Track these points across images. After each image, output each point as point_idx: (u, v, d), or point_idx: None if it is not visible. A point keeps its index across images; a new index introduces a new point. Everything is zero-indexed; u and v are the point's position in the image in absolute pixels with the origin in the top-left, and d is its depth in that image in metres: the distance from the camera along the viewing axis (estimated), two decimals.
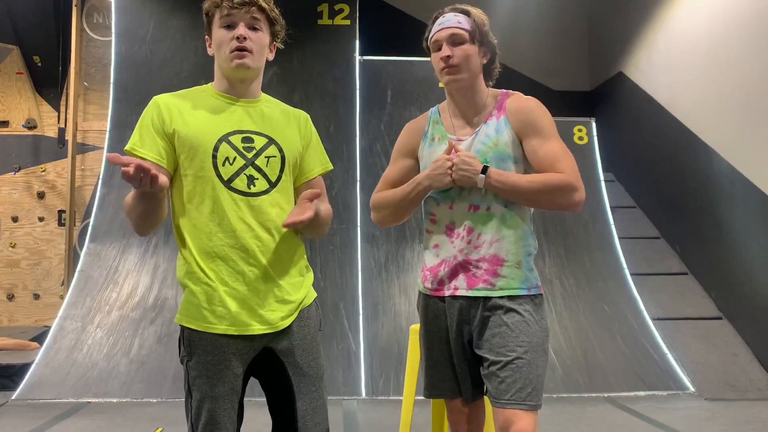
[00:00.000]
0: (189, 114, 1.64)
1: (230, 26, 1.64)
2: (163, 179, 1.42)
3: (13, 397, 4.19)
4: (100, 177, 5.45)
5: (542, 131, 1.79)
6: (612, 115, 6.96)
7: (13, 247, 6.09)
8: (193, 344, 1.59)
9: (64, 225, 6.04)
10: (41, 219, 6.13)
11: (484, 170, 1.73)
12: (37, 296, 6.03)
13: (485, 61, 1.86)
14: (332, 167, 1.89)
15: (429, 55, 1.92)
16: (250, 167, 1.62)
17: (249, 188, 1.61)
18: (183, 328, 1.62)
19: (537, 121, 1.79)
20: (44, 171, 6.18)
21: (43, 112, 6.29)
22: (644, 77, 6.31)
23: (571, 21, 7.68)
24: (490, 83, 1.91)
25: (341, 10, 5.81)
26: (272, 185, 1.65)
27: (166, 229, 5.22)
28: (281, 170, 1.67)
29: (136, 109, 5.58)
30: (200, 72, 5.64)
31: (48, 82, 6.26)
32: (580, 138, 5.83)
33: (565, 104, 7.02)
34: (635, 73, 6.50)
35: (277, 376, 1.65)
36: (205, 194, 1.60)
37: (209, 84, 1.74)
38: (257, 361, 1.64)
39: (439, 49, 1.83)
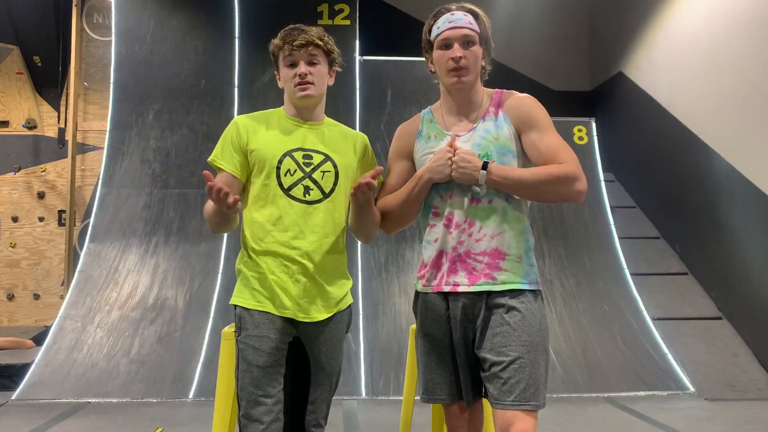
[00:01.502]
0: (262, 133, 1.94)
1: (293, 65, 1.93)
2: (238, 205, 1.71)
3: (13, 397, 4.19)
4: (100, 177, 5.45)
5: (540, 125, 1.80)
6: (612, 115, 6.95)
7: (13, 247, 6.09)
8: (244, 320, 1.85)
9: (64, 225, 6.04)
10: (41, 219, 6.13)
11: (485, 166, 1.73)
12: (37, 296, 6.04)
13: (483, 63, 1.88)
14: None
15: (427, 50, 1.90)
16: (308, 179, 1.90)
17: (305, 197, 1.89)
18: (236, 307, 1.89)
19: (534, 116, 1.81)
20: (44, 171, 6.19)
21: (43, 112, 6.29)
22: (644, 77, 6.31)
23: (571, 21, 7.68)
24: (481, 81, 1.92)
25: (341, 10, 5.81)
26: (326, 196, 1.91)
27: (165, 230, 5.22)
28: (335, 183, 1.93)
29: (136, 109, 5.59)
30: (200, 72, 5.65)
31: (48, 82, 6.26)
32: (580, 138, 5.83)
33: (565, 104, 7.02)
34: (635, 73, 6.50)
35: (300, 364, 1.90)
36: (267, 199, 1.89)
37: (281, 107, 2.04)
38: (292, 347, 1.88)
39: (447, 47, 1.81)
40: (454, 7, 1.85)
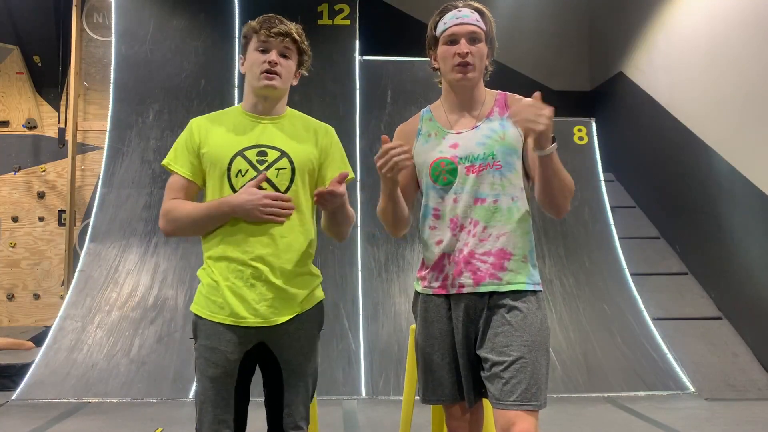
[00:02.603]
0: (214, 133, 1.86)
1: (264, 51, 1.84)
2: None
3: (13, 397, 4.19)
4: (100, 177, 5.45)
5: None
6: (612, 115, 6.95)
7: (13, 247, 6.09)
8: (198, 329, 1.82)
9: (64, 225, 6.04)
10: (41, 219, 6.13)
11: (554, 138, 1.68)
12: (37, 296, 6.03)
13: (487, 62, 1.87)
14: (353, 176, 1.95)
15: (431, 47, 1.88)
16: None
17: None
18: (193, 315, 1.84)
19: None
20: (44, 171, 6.18)
21: (43, 112, 6.29)
22: (644, 77, 6.31)
23: (571, 21, 7.68)
24: (484, 83, 1.92)
25: (341, 10, 5.81)
26: None
27: None
28: (291, 181, 1.82)
29: (136, 109, 5.58)
30: (200, 72, 5.65)
31: (48, 82, 6.26)
32: (580, 138, 5.83)
33: (565, 104, 6.99)
34: (635, 73, 6.50)
35: (272, 369, 1.84)
36: None
37: (239, 104, 1.94)
38: (258, 354, 1.83)
39: (453, 42, 1.81)
40: (460, 4, 1.85)
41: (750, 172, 4.66)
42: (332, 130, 1.98)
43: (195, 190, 1.87)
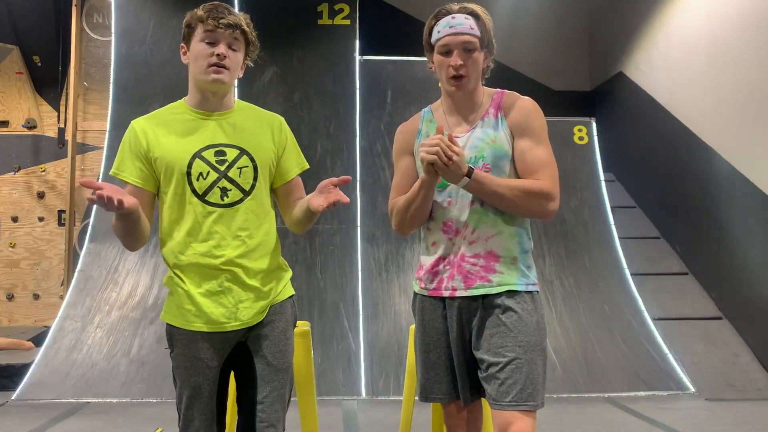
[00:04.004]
0: (163, 136, 1.75)
1: (211, 42, 1.73)
2: (130, 201, 1.56)
3: (13, 397, 4.19)
4: (100, 177, 5.45)
5: (534, 134, 1.79)
6: (612, 115, 6.95)
7: (13, 247, 6.09)
8: (174, 338, 1.77)
9: (64, 225, 6.04)
10: (41, 219, 6.13)
11: (470, 173, 1.69)
12: (37, 296, 6.03)
13: (485, 65, 1.86)
14: (308, 166, 1.95)
15: (428, 50, 1.88)
16: (224, 179, 1.73)
17: (222, 200, 1.73)
18: (166, 324, 1.80)
19: (531, 124, 1.80)
20: (44, 171, 6.18)
21: (43, 112, 6.29)
22: (644, 77, 6.31)
23: (571, 21, 7.67)
24: (483, 81, 1.91)
25: (341, 10, 5.81)
26: (246, 194, 1.75)
27: None
28: (254, 179, 1.76)
29: (136, 109, 5.56)
30: None
31: (48, 82, 6.26)
32: (580, 138, 5.82)
33: (565, 104, 7.02)
34: (635, 73, 6.50)
35: (245, 364, 1.78)
36: (183, 208, 1.72)
37: (182, 100, 1.82)
38: (232, 354, 1.79)
39: (447, 53, 1.79)
40: (455, 8, 1.81)
41: (750, 172, 4.66)
42: (284, 121, 1.91)
43: (148, 197, 1.76)
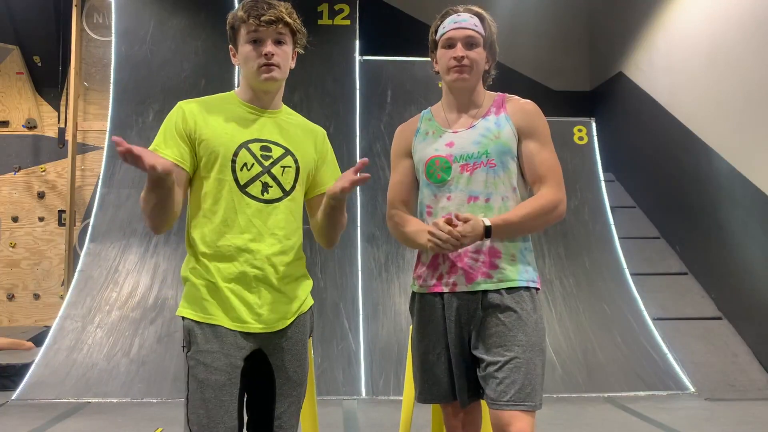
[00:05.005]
0: (213, 120, 1.71)
1: (257, 41, 1.69)
2: (165, 163, 1.46)
3: (13, 397, 4.19)
4: (100, 177, 5.45)
5: (540, 137, 1.83)
6: (612, 115, 6.95)
7: (13, 247, 6.09)
8: (193, 334, 1.64)
9: (64, 225, 6.04)
10: (41, 219, 6.13)
11: (488, 233, 1.71)
12: (37, 296, 6.03)
13: (487, 67, 1.90)
14: None
15: (432, 50, 1.91)
16: (266, 175, 1.69)
17: (263, 195, 1.69)
18: (184, 320, 1.67)
19: (537, 126, 1.84)
20: (44, 171, 6.19)
21: (43, 112, 6.29)
22: (644, 77, 6.31)
23: (571, 21, 7.67)
24: (485, 86, 1.93)
25: (341, 10, 5.81)
26: (286, 194, 1.72)
27: None
28: (295, 180, 1.74)
29: (136, 109, 5.58)
30: (200, 72, 5.64)
31: (48, 82, 6.26)
32: (580, 138, 5.82)
33: (565, 104, 7.02)
34: (635, 73, 6.50)
35: (263, 376, 1.70)
36: (221, 196, 1.67)
37: (233, 92, 1.81)
38: (248, 366, 1.68)
39: (451, 46, 1.83)
40: (461, 8, 1.87)
41: (750, 172, 4.66)
42: (325, 133, 1.91)
43: (184, 177, 1.68)
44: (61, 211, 6.11)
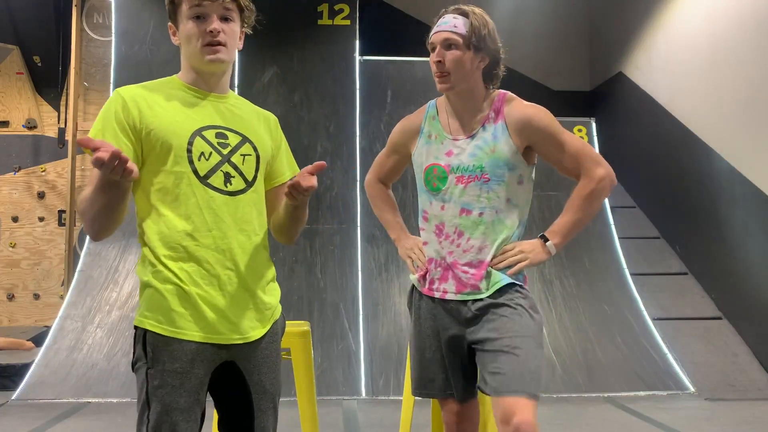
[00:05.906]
0: (159, 107, 1.51)
1: (200, 17, 1.51)
2: (136, 171, 1.32)
3: (13, 397, 4.19)
4: None
5: (554, 136, 1.82)
6: (612, 115, 6.95)
7: (13, 247, 6.09)
8: (158, 349, 1.47)
9: (64, 225, 6.04)
10: (41, 219, 6.13)
11: (551, 249, 1.84)
12: (37, 296, 6.03)
13: (483, 66, 1.81)
14: (298, 170, 1.79)
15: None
16: (227, 164, 1.52)
17: (226, 186, 1.51)
18: (145, 332, 1.49)
19: (546, 129, 1.81)
20: (44, 171, 6.19)
21: (43, 112, 6.29)
22: (644, 77, 6.31)
23: (571, 21, 7.67)
24: (492, 87, 1.86)
25: (341, 10, 5.81)
26: (249, 184, 1.55)
27: None
28: (256, 170, 1.58)
29: None
30: None
31: (48, 82, 6.26)
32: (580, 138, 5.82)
33: (565, 104, 7.01)
34: (635, 73, 6.49)
35: (237, 392, 1.55)
36: (179, 191, 1.48)
37: (174, 76, 1.62)
38: (215, 373, 1.52)
39: (433, 50, 1.81)
40: (449, 10, 1.83)
41: (750, 172, 4.66)
42: (278, 120, 1.75)
43: None
44: (61, 211, 6.11)
